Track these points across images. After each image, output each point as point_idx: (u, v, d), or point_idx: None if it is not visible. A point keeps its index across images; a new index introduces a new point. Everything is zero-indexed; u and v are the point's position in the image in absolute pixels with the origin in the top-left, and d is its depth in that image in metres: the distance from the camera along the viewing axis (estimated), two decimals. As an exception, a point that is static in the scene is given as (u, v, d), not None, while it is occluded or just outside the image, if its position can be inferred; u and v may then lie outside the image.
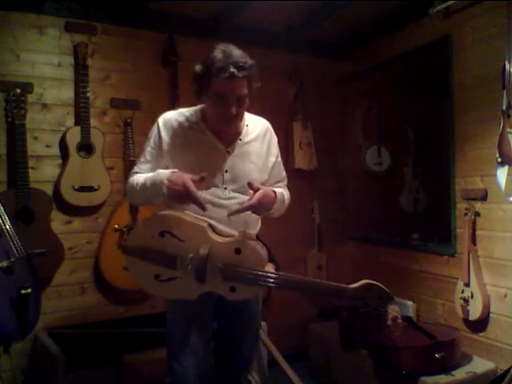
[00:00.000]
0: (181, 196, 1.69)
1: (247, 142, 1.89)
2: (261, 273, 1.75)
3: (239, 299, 1.80)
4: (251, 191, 1.77)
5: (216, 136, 1.84)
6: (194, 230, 1.76)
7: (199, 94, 1.79)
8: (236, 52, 1.70)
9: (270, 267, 1.79)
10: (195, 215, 1.78)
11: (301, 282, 1.89)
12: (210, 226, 1.79)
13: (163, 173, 1.75)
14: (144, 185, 1.78)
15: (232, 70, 1.65)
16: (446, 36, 2.88)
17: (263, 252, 1.79)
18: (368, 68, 3.61)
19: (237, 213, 1.76)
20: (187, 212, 1.79)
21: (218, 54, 1.69)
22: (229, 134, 1.85)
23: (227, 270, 1.74)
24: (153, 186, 1.75)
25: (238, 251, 1.75)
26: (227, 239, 1.78)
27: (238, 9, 3.00)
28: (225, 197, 1.82)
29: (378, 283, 1.75)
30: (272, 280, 1.77)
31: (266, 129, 1.96)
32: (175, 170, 1.75)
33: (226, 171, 1.83)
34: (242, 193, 1.84)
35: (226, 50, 1.69)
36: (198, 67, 1.75)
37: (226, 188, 1.83)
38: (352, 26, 3.35)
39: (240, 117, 1.81)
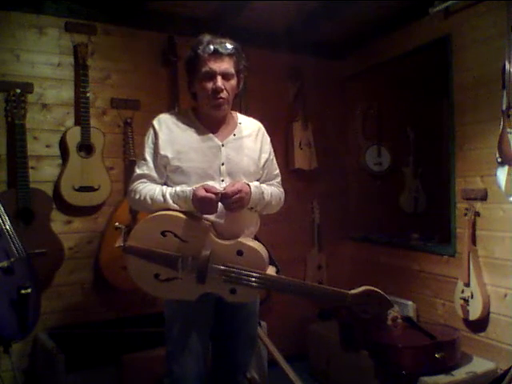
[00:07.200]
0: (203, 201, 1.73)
1: (241, 138, 1.94)
2: (262, 276, 1.75)
3: (239, 301, 1.81)
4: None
5: (210, 131, 1.89)
6: (196, 231, 1.77)
7: (190, 81, 1.90)
8: (220, 37, 1.85)
9: (271, 270, 1.80)
10: (196, 214, 1.79)
11: (300, 286, 1.89)
12: (213, 226, 1.80)
13: (187, 189, 1.79)
14: (162, 198, 1.80)
15: (216, 46, 1.80)
16: (446, 36, 2.88)
17: (265, 255, 1.79)
18: (368, 68, 3.61)
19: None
20: (187, 212, 1.79)
21: (203, 37, 1.84)
22: (222, 130, 1.91)
23: (228, 272, 1.75)
24: (180, 201, 1.78)
25: (240, 253, 1.76)
26: (229, 241, 1.79)
27: (237, 9, 3.00)
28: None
29: (377, 289, 1.76)
30: (272, 283, 1.77)
31: (259, 128, 2.03)
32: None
33: (223, 164, 1.86)
34: None
35: (211, 35, 1.85)
36: (188, 53, 1.88)
37: (223, 180, 1.85)
38: (352, 26, 3.35)
39: (227, 99, 1.85)
